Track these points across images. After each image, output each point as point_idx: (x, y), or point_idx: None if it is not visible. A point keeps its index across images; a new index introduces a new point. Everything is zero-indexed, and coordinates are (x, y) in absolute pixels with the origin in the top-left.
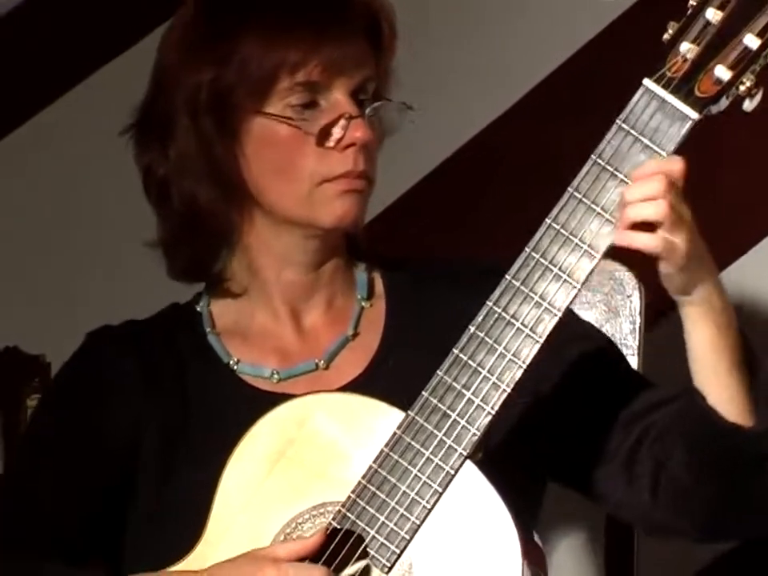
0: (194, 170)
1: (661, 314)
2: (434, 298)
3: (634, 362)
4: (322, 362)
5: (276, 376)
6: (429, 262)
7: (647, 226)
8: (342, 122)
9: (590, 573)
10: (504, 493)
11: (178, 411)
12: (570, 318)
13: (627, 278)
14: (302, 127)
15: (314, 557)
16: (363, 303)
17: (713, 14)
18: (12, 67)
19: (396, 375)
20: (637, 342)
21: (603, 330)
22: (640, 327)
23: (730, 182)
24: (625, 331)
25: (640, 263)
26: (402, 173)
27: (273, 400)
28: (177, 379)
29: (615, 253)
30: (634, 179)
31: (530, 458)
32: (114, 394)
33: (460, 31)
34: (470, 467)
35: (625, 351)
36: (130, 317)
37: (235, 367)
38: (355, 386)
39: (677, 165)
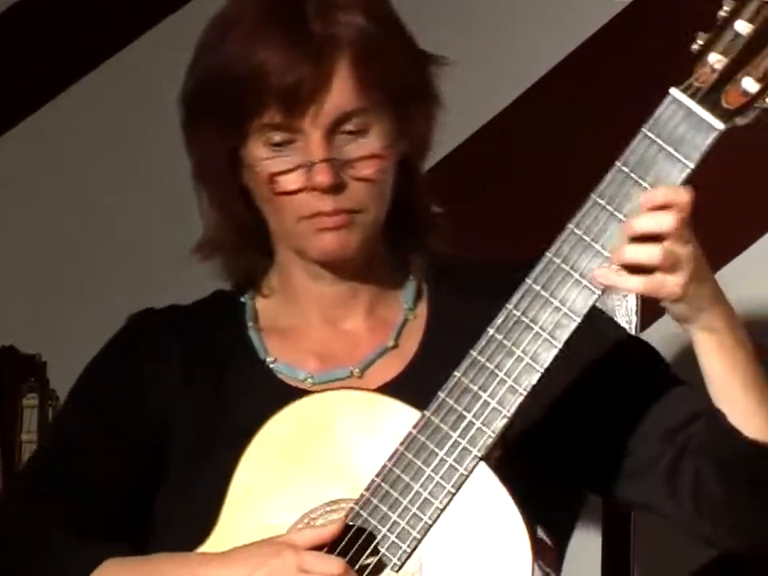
0: (213, 182)
1: (656, 315)
2: (474, 303)
3: None
4: (357, 370)
5: (310, 380)
6: (472, 264)
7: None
8: (304, 167)
9: (587, 570)
10: (521, 493)
11: (212, 401)
12: (607, 323)
13: None
14: (274, 168)
15: (327, 550)
16: (408, 313)
17: (743, 27)
18: (9, 65)
19: (428, 381)
20: None
21: None
22: (636, 327)
23: (720, 185)
24: None
25: None
26: None
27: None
28: (215, 369)
29: None
30: (643, 208)
31: (556, 462)
32: (151, 381)
33: (458, 26)
34: (482, 468)
35: None
36: (126, 317)
37: (272, 366)
38: (384, 390)
39: (684, 197)
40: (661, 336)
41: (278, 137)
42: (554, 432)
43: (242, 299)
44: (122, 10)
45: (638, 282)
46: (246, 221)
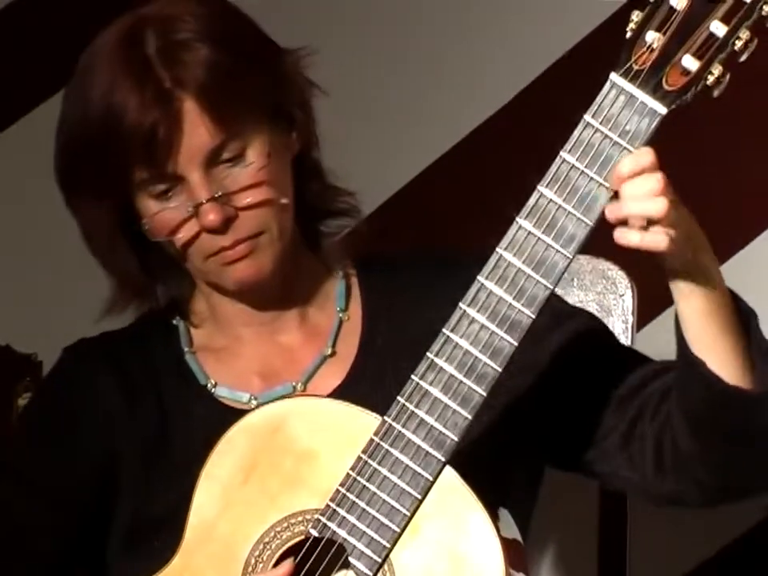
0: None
1: (653, 314)
2: (410, 296)
3: None
4: (300, 384)
5: (254, 401)
6: (401, 258)
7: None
8: (190, 215)
9: (582, 570)
10: (485, 476)
11: (156, 429)
12: (552, 301)
13: (620, 277)
14: (166, 221)
15: (295, 568)
16: (341, 315)
17: (677, 1)
18: (5, 63)
19: (372, 384)
20: (629, 342)
21: None
22: (632, 326)
23: (718, 182)
24: (617, 330)
25: (633, 262)
26: (390, 174)
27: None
28: (155, 396)
29: (606, 251)
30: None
31: (516, 441)
32: (91, 416)
33: (452, 30)
34: (448, 471)
35: None
36: (120, 317)
37: (213, 390)
38: (331, 395)
39: (647, 157)
40: (658, 335)
41: (160, 187)
42: (512, 410)
43: (174, 321)
44: (120, 9)
45: (652, 237)
46: (147, 276)
